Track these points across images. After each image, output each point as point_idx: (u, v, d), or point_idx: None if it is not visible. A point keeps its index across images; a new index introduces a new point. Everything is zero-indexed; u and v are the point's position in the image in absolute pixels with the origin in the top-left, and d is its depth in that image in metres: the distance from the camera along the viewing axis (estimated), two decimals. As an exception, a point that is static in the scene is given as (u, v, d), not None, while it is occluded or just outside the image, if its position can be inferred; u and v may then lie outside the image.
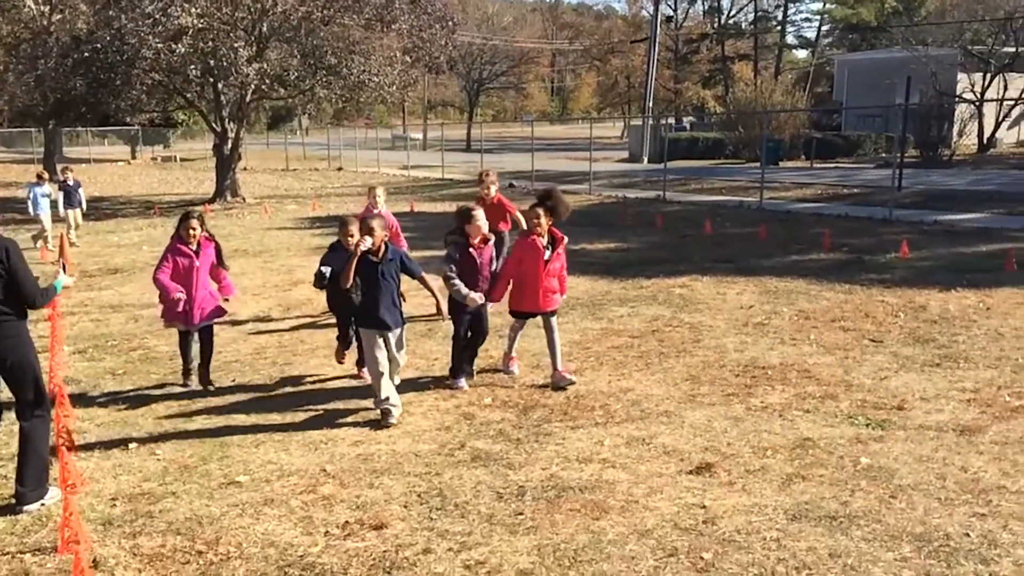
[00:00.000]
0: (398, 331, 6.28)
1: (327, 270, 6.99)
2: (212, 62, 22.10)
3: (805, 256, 13.30)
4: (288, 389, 7.12)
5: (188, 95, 25.15)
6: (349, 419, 6.29)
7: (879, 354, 7.72)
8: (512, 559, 4.17)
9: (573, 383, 6.91)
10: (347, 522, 4.60)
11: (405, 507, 4.78)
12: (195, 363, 7.20)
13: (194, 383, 7.16)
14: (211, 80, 23.65)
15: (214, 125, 25.34)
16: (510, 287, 7.03)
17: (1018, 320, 8.72)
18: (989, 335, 8.20)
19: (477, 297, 6.81)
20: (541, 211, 6.86)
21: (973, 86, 38.53)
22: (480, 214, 6.97)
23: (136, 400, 6.88)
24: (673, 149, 37.21)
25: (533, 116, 71.99)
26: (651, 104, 45.55)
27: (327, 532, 4.50)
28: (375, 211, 9.05)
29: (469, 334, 7.12)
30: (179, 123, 54.15)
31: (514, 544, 4.32)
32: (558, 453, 5.57)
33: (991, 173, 28.87)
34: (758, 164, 23.67)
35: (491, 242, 7.13)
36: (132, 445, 5.85)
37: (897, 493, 4.82)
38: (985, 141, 39.31)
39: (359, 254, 6.01)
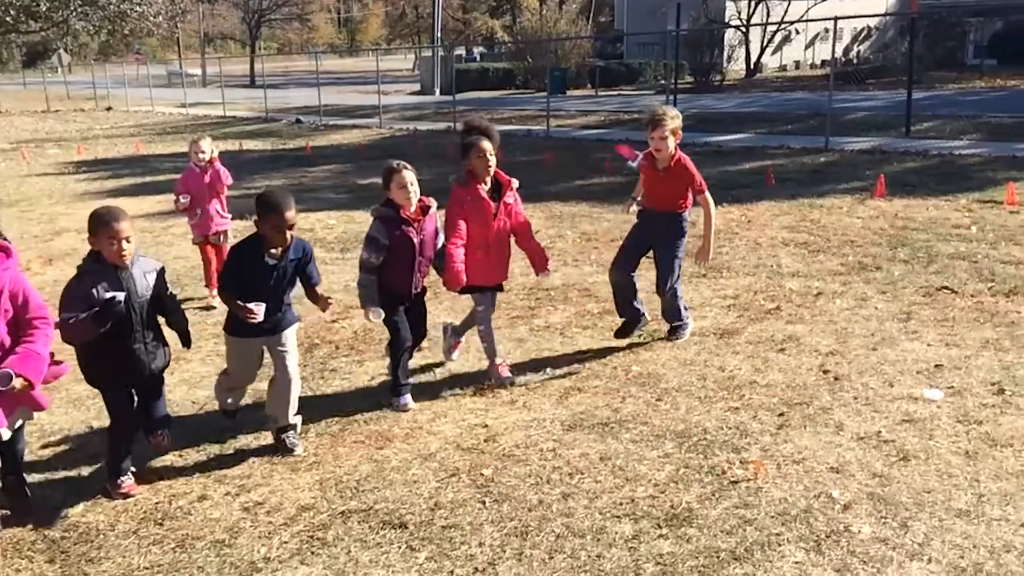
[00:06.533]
0: (286, 334, 4.54)
1: (119, 295, 3.86)
2: (-57, -9, 19.69)
3: (588, 180, 13.80)
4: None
5: (-82, 29, 22.36)
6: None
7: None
8: (293, 496, 4.11)
9: (513, 382, 5.43)
10: (115, 478, 4.36)
11: (180, 456, 4.58)
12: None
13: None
14: (-56, 12, 21.10)
15: (-46, 63, 22.70)
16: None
17: (774, 231, 9.48)
18: (749, 245, 8.85)
19: (375, 320, 5.01)
20: (488, 143, 5.12)
21: (740, 13, 40.93)
22: (409, 174, 4.89)
23: None
24: (464, 80, 37.27)
25: (321, 49, 69.50)
26: (439, 35, 45.19)
27: (94, 494, 4.24)
28: (199, 169, 7.35)
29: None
30: (-86, 62, 48.11)
31: (295, 481, 4.27)
32: (344, 388, 5.52)
33: (756, 96, 30.97)
34: (546, 93, 24.13)
35: (432, 210, 5.08)
36: None
37: (663, 396, 5.15)
38: (752, 66, 41.99)
39: (253, 319, 4.24)
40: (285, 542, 3.73)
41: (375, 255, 4.92)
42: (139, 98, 39.55)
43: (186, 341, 4.32)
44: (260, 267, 4.31)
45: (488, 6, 69.39)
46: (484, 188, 5.18)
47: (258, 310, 4.23)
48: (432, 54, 42.29)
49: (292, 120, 28.65)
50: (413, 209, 4.96)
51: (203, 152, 7.37)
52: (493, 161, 5.12)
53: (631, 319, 6.03)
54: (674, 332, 6.13)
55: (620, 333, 6.07)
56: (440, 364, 5.84)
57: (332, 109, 30.16)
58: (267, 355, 4.60)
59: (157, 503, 4.09)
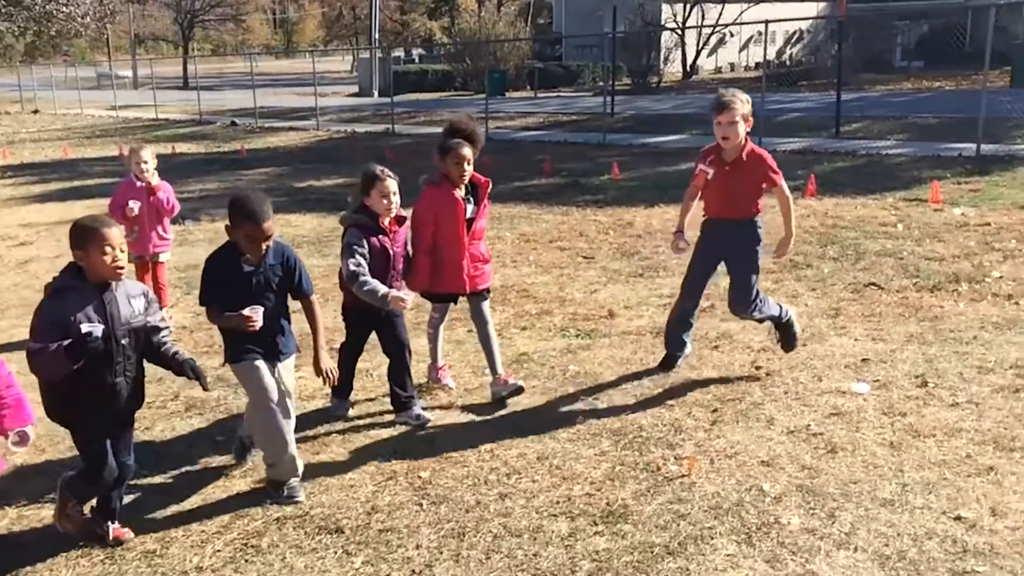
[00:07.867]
0: (290, 360, 4.19)
1: (96, 330, 3.33)
2: None
3: (528, 182, 13.86)
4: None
5: None
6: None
7: (591, 270, 8.24)
8: (226, 503, 4.06)
9: (522, 390, 5.21)
10: (44, 493, 4.24)
11: (110, 467, 4.49)
12: None
13: None
14: None
15: None
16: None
17: (709, 230, 9.63)
18: (684, 245, 8.99)
19: (406, 297, 4.58)
20: (468, 150, 4.97)
21: (676, 16, 41.51)
22: (392, 183, 4.61)
23: None
24: (403, 82, 37.11)
25: (256, 50, 68.52)
26: (377, 36, 44.93)
27: (20, 507, 4.13)
28: (140, 183, 6.58)
29: (387, 354, 5.03)
30: None
31: (229, 488, 4.21)
32: (280, 393, 5.45)
33: (692, 97, 31.38)
34: (485, 95, 24.17)
35: (407, 223, 4.89)
36: None
37: (600, 395, 5.21)
38: (688, 68, 42.59)
39: (253, 326, 3.85)
40: (218, 550, 3.68)
41: (357, 259, 4.53)
42: (67, 100, 38.48)
43: (198, 375, 3.68)
44: (237, 275, 3.89)
45: (426, 8, 69.20)
46: (459, 192, 5.01)
47: (256, 315, 3.83)
48: (370, 56, 41.98)
49: (227, 122, 28.19)
50: (388, 220, 4.69)
51: (145, 163, 6.55)
52: (469, 169, 4.97)
53: (675, 354, 5.59)
54: (786, 333, 5.52)
55: (663, 366, 5.58)
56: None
57: (268, 111, 29.78)
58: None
59: (83, 517, 3.99)
